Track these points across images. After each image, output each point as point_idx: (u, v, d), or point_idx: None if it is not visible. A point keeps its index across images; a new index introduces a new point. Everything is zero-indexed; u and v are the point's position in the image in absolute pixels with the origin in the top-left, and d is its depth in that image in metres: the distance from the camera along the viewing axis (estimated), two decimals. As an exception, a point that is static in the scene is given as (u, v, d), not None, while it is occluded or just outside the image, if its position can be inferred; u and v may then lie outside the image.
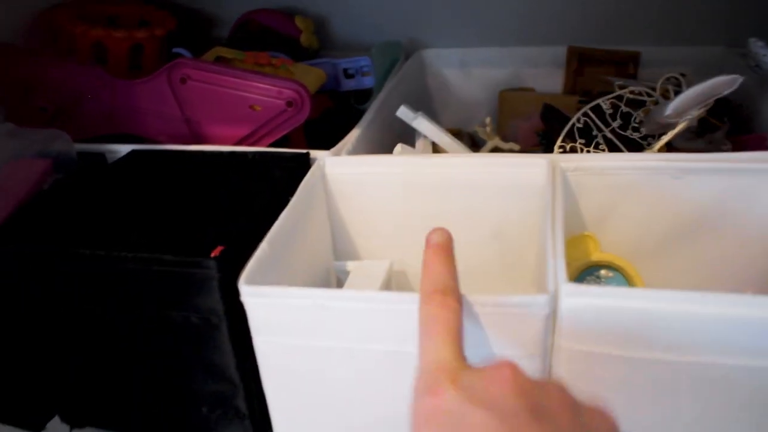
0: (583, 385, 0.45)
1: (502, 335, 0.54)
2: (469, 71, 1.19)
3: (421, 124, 0.83)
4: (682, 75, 1.03)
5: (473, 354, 0.49)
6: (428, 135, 0.83)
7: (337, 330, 0.56)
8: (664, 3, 1.14)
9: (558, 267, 0.55)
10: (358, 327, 0.56)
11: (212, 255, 0.59)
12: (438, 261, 0.49)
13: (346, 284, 0.73)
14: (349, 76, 1.03)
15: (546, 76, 1.16)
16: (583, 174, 0.71)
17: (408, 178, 0.75)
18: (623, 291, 0.52)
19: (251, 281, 0.57)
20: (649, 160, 0.70)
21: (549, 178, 0.68)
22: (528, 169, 0.70)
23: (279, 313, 0.57)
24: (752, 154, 0.70)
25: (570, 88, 1.13)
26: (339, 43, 1.27)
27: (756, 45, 0.86)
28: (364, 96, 1.06)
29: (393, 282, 0.78)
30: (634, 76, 1.10)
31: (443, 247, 0.50)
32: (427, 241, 0.51)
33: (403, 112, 0.85)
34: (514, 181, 0.71)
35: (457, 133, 1.08)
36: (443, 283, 0.47)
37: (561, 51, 1.14)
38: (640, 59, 1.11)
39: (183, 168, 0.81)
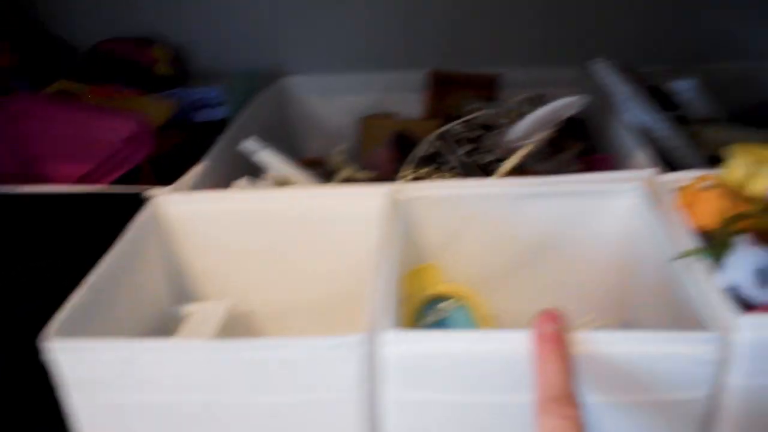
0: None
1: (318, 378, 0.52)
2: (332, 98, 1.17)
3: (263, 157, 0.80)
4: (541, 96, 1.04)
5: (292, 399, 0.47)
6: (272, 168, 0.80)
7: (147, 383, 0.52)
8: (523, 25, 1.15)
9: (382, 307, 0.53)
10: (171, 378, 0.52)
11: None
12: (552, 359, 0.45)
13: (179, 331, 0.69)
14: (200, 107, 0.99)
15: (409, 101, 1.15)
16: (423, 203, 0.69)
17: (247, 214, 0.71)
18: (444, 335, 0.50)
19: (63, 333, 0.52)
20: (489, 186, 0.69)
21: (385, 210, 0.66)
22: (364, 200, 0.68)
23: (86, 368, 0.52)
24: (591, 176, 0.70)
25: (432, 113, 1.12)
26: (203, 72, 1.22)
27: (598, 66, 0.86)
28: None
29: (236, 324, 0.74)
30: (495, 98, 1.10)
31: (557, 339, 0.46)
32: (536, 330, 0.47)
33: (247, 146, 0.82)
34: (351, 213, 0.69)
35: (320, 163, 1.05)
36: (559, 388, 0.43)
37: (423, 75, 1.13)
38: (501, 81, 1.11)
39: (11, 212, 0.76)
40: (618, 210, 0.69)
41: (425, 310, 0.70)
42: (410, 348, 0.50)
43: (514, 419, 0.51)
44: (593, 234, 0.71)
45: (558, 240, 0.71)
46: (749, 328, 0.48)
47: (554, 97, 0.83)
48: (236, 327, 0.74)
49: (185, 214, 0.73)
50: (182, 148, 0.97)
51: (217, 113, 0.99)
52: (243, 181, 0.77)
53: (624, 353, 0.48)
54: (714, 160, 0.85)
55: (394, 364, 0.51)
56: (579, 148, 0.89)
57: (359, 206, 0.69)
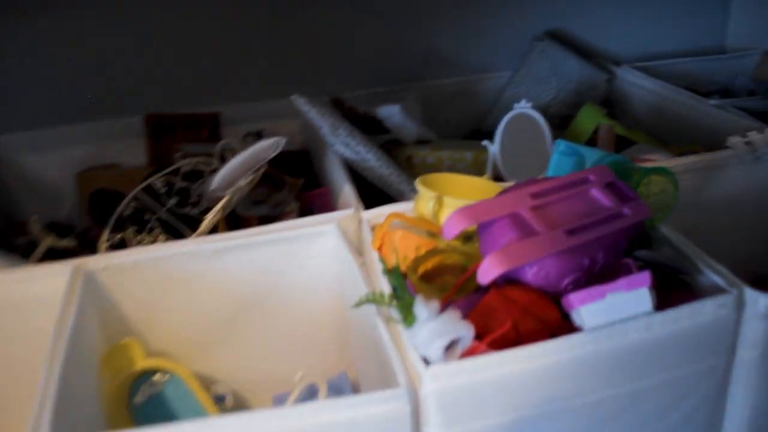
0: None
1: None
2: (48, 154, 1.06)
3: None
4: (258, 133, 1.01)
5: None
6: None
7: None
8: (241, 62, 1.12)
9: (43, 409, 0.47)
10: None
11: None
12: None
13: None
14: None
15: (131, 149, 1.07)
16: (116, 272, 0.64)
17: None
18: None
19: None
20: (183, 246, 0.65)
21: (70, 288, 0.60)
22: (47, 280, 0.62)
23: None
24: (290, 222, 0.68)
25: (154, 160, 1.06)
26: None
27: (298, 101, 0.84)
28: None
29: None
30: (215, 138, 1.05)
31: None
32: None
33: None
34: (31, 297, 0.62)
35: (25, 233, 0.96)
36: None
37: (140, 120, 1.07)
38: (220, 119, 1.07)
39: None
40: (319, 255, 0.68)
41: (134, 389, 0.64)
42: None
43: None
44: (302, 281, 0.69)
45: (268, 291, 0.68)
46: (432, 381, 0.47)
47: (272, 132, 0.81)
48: None
49: None
50: None
51: None
52: None
53: (314, 424, 0.46)
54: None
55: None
56: (295, 185, 0.87)
57: (44, 287, 0.62)
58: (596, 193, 0.57)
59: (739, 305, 0.54)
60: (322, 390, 0.60)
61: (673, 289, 0.58)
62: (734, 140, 0.80)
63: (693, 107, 0.99)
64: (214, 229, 0.74)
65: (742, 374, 0.57)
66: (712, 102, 0.98)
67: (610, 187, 0.58)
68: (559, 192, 0.56)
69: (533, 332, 0.52)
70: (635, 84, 1.12)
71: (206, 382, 0.66)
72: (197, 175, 0.83)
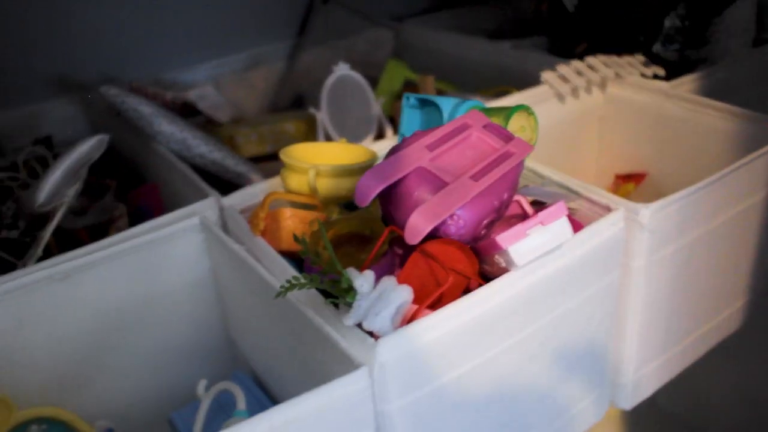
0: None
1: None
2: None
3: None
4: (47, 138, 0.90)
5: None
6: None
7: None
8: None
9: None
10: None
11: None
12: None
13: None
14: None
15: None
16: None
17: None
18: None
19: None
20: (27, 274, 0.56)
21: None
22: None
23: None
24: (146, 225, 0.61)
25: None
26: None
27: (109, 92, 0.76)
28: None
29: None
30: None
31: None
32: None
33: None
34: None
35: None
36: None
37: None
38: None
39: None
40: (186, 253, 0.62)
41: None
42: None
43: None
44: (173, 285, 0.63)
45: (138, 305, 0.62)
46: (387, 353, 0.44)
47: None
48: None
49: None
50: None
51: None
52: None
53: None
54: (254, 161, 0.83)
55: None
56: (114, 186, 0.79)
57: None
58: (480, 137, 0.56)
59: (626, 220, 0.57)
60: (239, 395, 0.54)
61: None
62: (547, 75, 0.84)
63: (487, 51, 1.03)
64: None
65: (633, 283, 0.60)
66: (507, 44, 1.01)
67: (488, 129, 0.58)
68: (448, 141, 0.55)
69: (456, 284, 0.51)
70: (422, 37, 1.13)
71: (90, 418, 0.58)
72: (4, 193, 0.73)
